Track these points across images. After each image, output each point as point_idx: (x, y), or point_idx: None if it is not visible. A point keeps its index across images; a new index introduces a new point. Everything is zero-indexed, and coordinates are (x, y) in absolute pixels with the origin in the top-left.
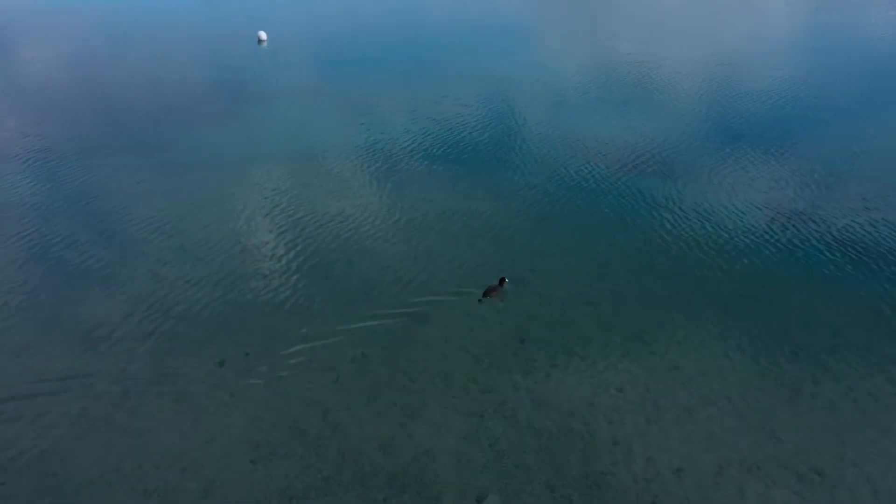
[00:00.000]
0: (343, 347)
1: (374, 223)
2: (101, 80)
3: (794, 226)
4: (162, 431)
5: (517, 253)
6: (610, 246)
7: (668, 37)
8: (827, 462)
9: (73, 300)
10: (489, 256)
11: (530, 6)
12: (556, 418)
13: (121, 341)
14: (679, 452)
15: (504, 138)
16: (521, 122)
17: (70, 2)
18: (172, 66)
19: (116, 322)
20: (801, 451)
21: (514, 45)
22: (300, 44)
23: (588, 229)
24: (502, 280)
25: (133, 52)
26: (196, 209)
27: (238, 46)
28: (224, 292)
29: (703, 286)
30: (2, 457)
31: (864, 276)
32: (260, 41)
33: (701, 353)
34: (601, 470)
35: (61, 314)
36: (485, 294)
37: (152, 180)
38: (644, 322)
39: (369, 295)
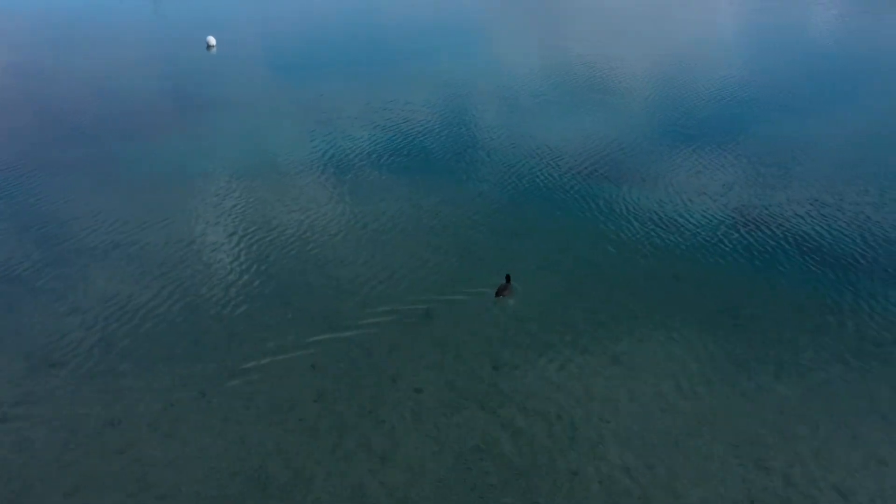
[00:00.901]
0: (305, 381)
1: (331, 238)
2: (38, 90)
3: (760, 232)
4: (106, 490)
5: (486, 270)
6: (579, 260)
7: (618, 38)
8: (820, 493)
9: (10, 330)
10: (456, 273)
11: (482, 10)
12: (538, 455)
13: (63, 380)
14: (670, 489)
15: (465, 146)
16: (480, 128)
17: (3, 3)
18: (116, 75)
19: (58, 356)
20: (792, 483)
21: (468, 47)
22: (250, 49)
23: (557, 243)
24: (508, 277)
25: (73, 60)
26: (143, 229)
27: (186, 52)
28: (174, 321)
29: (679, 301)
30: None
31: (838, 286)
32: (209, 47)
33: (682, 375)
34: None
35: None
36: (497, 294)
37: (95, 198)
38: (621, 343)
39: (329, 318)
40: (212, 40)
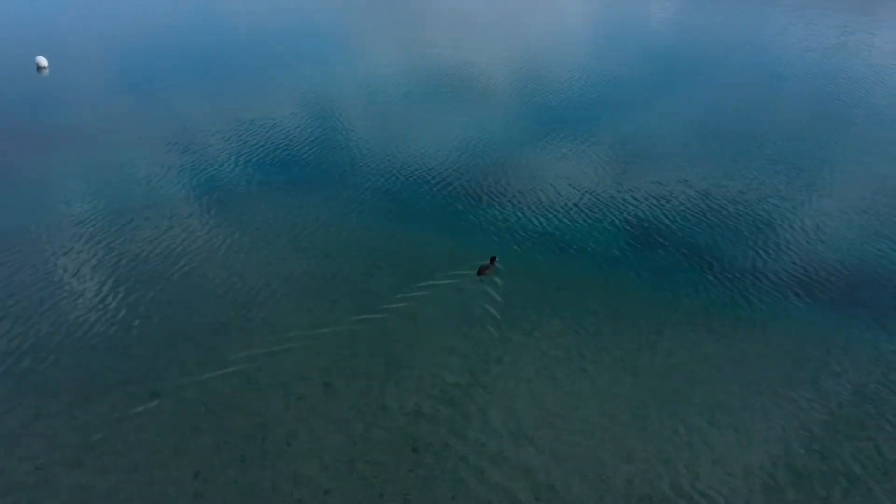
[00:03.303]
0: (184, 495)
1: (203, 278)
2: None
3: (661, 249)
4: None
5: (374, 303)
6: (474, 299)
7: (477, 43)
8: None
9: None
10: (348, 326)
11: (339, 15)
12: None
13: None
14: None
15: (334, 162)
16: (347, 142)
17: None
18: None
19: None
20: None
21: (326, 54)
22: (89, 68)
23: (447, 273)
24: (493, 259)
25: None
26: None
27: (11, 76)
28: (18, 411)
29: (597, 341)
30: None
31: (771, 310)
32: (39, 68)
33: (615, 430)
34: None
35: None
36: (479, 273)
37: None
38: (547, 405)
39: (212, 404)
40: (42, 61)
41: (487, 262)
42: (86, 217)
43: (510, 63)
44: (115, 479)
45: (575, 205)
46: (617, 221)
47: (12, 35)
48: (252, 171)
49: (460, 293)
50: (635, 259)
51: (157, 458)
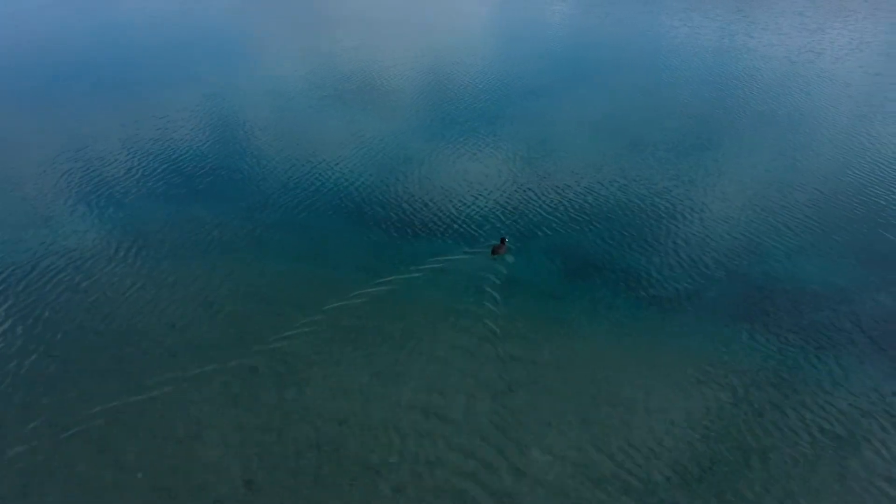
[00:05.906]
0: None
1: (86, 345)
2: None
3: (601, 278)
4: None
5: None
6: (412, 357)
7: (382, 46)
8: None
9: None
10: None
11: (236, 17)
12: None
13: None
14: None
15: (240, 178)
16: (247, 156)
17: None
18: None
19: None
20: None
21: (224, 67)
22: None
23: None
24: (503, 239)
25: None
26: None
27: None
28: None
29: (559, 398)
30: None
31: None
32: None
33: (574, 479)
34: None
35: None
36: (493, 252)
37: None
38: (506, 483)
39: None
40: None
41: (499, 242)
42: None
43: (408, 73)
44: None
45: (473, 230)
46: (535, 245)
47: None
48: (151, 202)
49: (388, 343)
50: (567, 290)
51: None
